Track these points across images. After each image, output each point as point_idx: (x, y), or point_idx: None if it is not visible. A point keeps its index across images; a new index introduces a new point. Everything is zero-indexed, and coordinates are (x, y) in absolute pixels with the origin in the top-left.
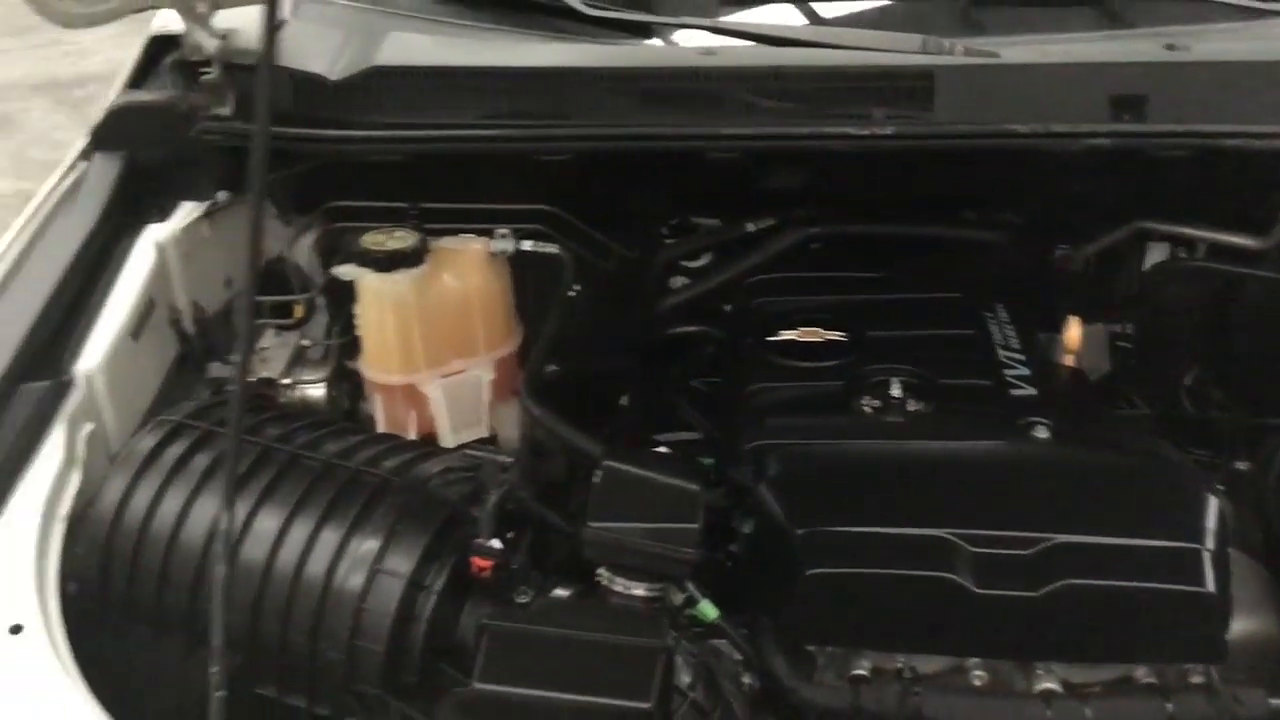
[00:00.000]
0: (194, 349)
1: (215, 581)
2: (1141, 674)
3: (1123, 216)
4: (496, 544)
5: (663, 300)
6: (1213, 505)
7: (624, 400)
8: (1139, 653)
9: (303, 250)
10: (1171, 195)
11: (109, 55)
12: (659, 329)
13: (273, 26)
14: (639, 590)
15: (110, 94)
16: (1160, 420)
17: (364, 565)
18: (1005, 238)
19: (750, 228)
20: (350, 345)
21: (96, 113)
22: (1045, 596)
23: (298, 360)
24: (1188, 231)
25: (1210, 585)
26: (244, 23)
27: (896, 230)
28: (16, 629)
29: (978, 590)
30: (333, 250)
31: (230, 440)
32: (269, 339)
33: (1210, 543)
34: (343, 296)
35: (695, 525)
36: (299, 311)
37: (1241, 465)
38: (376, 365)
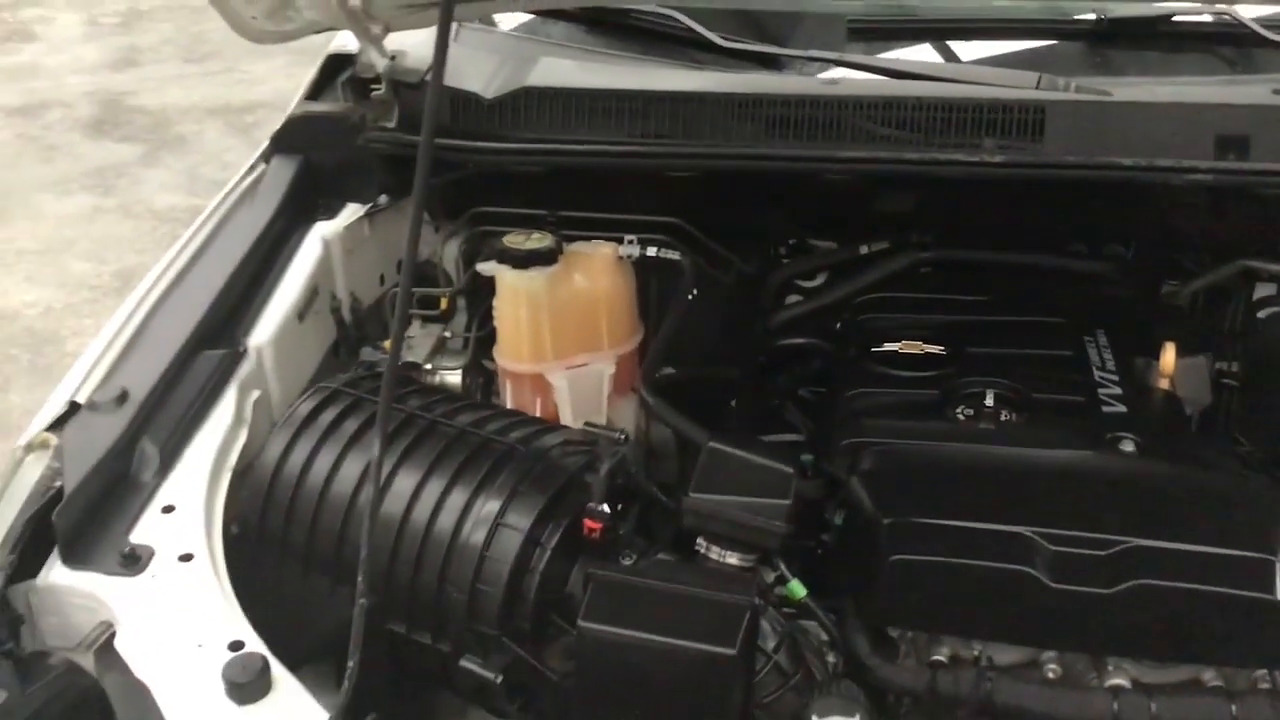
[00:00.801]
0: (349, 335)
1: (365, 524)
2: (1209, 676)
3: (1229, 255)
4: (606, 509)
5: (777, 314)
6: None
7: (734, 404)
8: (1207, 654)
9: (450, 252)
10: (1269, 234)
11: (278, 85)
12: (772, 341)
13: (444, 47)
14: (732, 559)
15: (290, 106)
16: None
17: (488, 521)
18: (1112, 270)
19: (864, 250)
20: (487, 340)
21: (264, 135)
22: (1119, 594)
23: (439, 349)
24: None
25: (1279, 594)
26: (411, 45)
27: (1005, 258)
28: (187, 557)
29: (1054, 585)
30: (475, 253)
31: (382, 404)
32: (415, 329)
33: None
34: (483, 294)
35: (787, 501)
36: (444, 304)
37: None
38: (509, 354)
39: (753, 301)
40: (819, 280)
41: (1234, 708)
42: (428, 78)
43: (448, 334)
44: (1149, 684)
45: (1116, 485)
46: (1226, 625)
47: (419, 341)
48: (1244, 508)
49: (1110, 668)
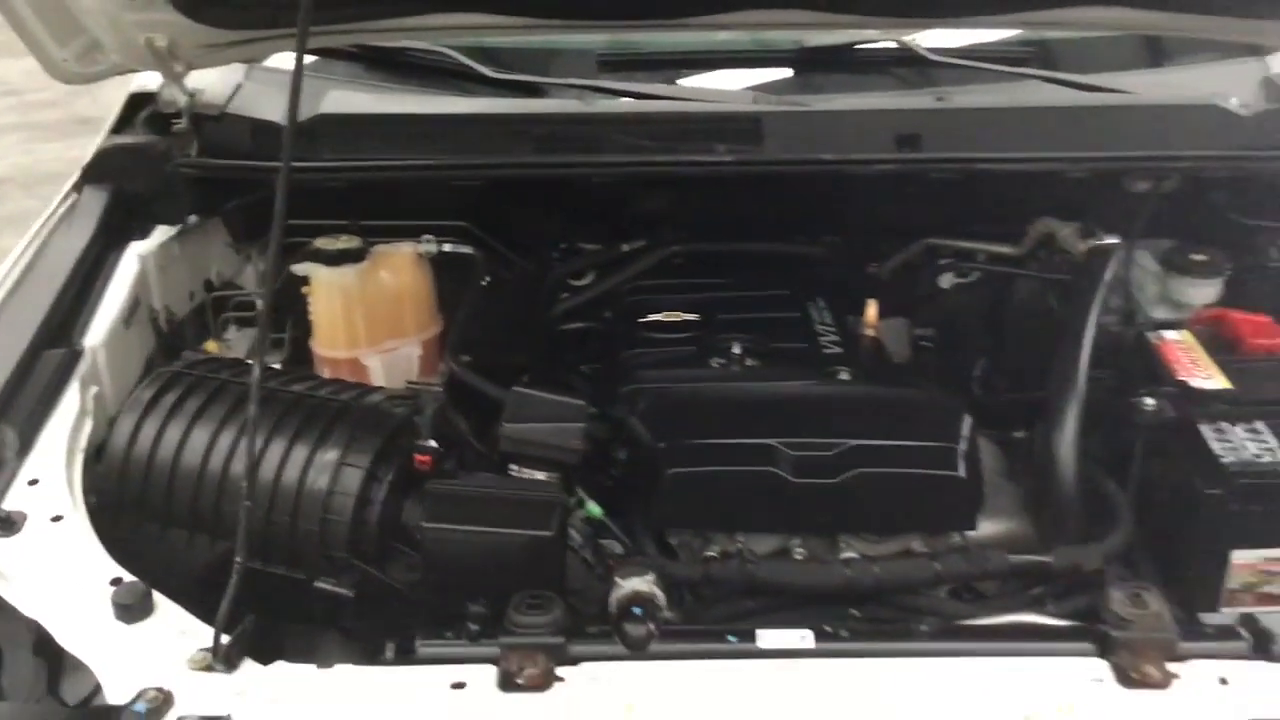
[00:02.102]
0: (166, 344)
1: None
2: (917, 545)
3: (916, 236)
4: (434, 444)
5: (558, 305)
6: (965, 421)
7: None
8: (912, 525)
9: (250, 273)
10: (951, 217)
11: (15, 160)
12: (555, 327)
13: (300, 74)
14: (540, 476)
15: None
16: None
17: (333, 463)
18: (827, 252)
19: (625, 248)
20: (303, 336)
21: (3, 211)
22: (843, 483)
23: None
24: (965, 244)
25: (962, 472)
26: (207, 83)
27: (742, 247)
28: (57, 518)
29: (794, 480)
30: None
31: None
32: (233, 333)
33: (962, 444)
34: (294, 297)
35: (581, 424)
36: (257, 306)
37: (1019, 434)
38: (325, 343)
39: (536, 294)
40: (591, 277)
41: (937, 565)
42: (226, 110)
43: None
44: (873, 555)
45: (836, 403)
46: (924, 500)
47: (237, 343)
48: (931, 411)
49: (843, 546)
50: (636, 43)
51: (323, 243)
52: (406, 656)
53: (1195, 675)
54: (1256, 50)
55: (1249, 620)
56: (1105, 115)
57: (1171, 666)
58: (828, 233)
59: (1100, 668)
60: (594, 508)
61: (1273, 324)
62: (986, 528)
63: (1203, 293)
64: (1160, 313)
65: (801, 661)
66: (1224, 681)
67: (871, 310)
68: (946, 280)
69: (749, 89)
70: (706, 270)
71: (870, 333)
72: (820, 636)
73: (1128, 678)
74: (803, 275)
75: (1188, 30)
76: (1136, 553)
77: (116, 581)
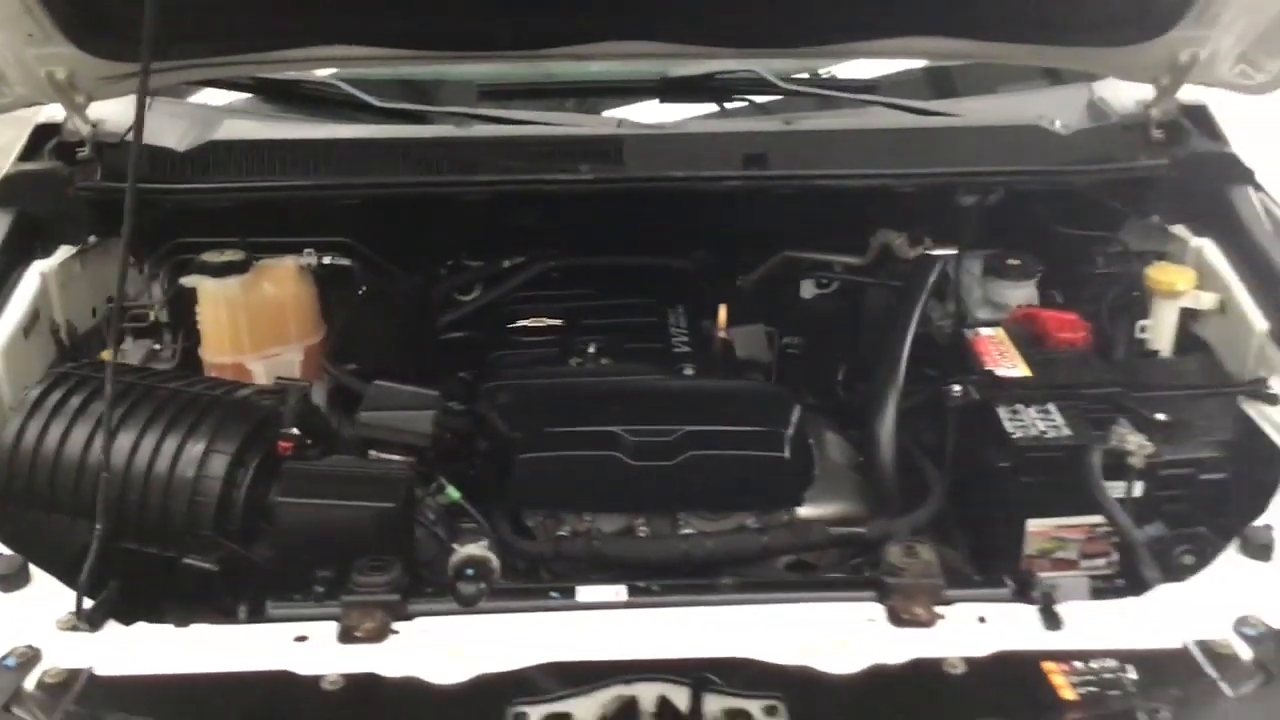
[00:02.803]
0: (68, 356)
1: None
2: (751, 521)
3: (774, 249)
4: (296, 431)
5: (442, 316)
6: (795, 409)
7: None
8: (744, 503)
9: (156, 290)
10: (805, 231)
11: None
12: (438, 337)
13: (143, 106)
14: (394, 459)
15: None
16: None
17: (200, 452)
18: (691, 265)
19: (505, 264)
20: (192, 347)
21: None
22: (677, 464)
23: (150, 359)
24: (819, 256)
25: (787, 454)
26: (108, 114)
27: (613, 261)
28: None
29: (634, 463)
30: (176, 278)
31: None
32: (128, 344)
33: (790, 430)
34: (185, 310)
35: (432, 412)
36: (151, 318)
37: None
38: (212, 350)
39: (421, 306)
40: (476, 291)
41: (764, 538)
42: (127, 138)
43: (156, 346)
44: (709, 531)
45: (676, 394)
46: (753, 480)
47: (132, 354)
48: (762, 401)
49: (682, 523)
50: (515, 74)
51: (208, 256)
52: (257, 616)
53: (958, 615)
54: (1089, 76)
55: (1019, 573)
56: (937, 137)
57: (939, 609)
58: (691, 246)
59: (875, 610)
60: (453, 492)
61: (1076, 320)
62: (827, 509)
63: (1018, 294)
64: (984, 313)
65: (614, 612)
66: (982, 620)
67: (722, 315)
68: (808, 290)
69: (614, 115)
70: (581, 283)
71: (721, 334)
72: (633, 591)
73: (898, 618)
74: (669, 285)
75: (1000, 57)
76: (950, 524)
77: None
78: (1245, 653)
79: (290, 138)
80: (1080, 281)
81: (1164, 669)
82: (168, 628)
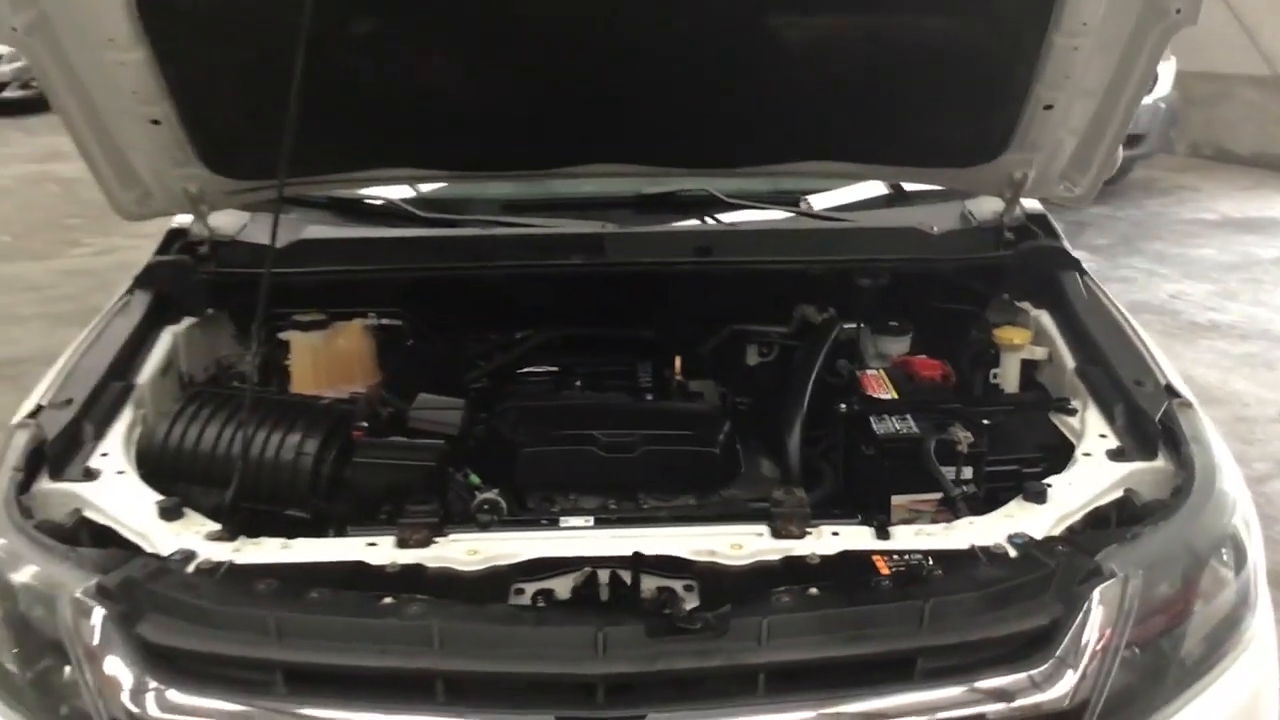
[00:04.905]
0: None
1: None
2: (691, 500)
3: (724, 322)
4: (365, 424)
5: (472, 373)
6: (726, 423)
7: None
8: (687, 487)
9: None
10: (745, 307)
11: (38, 343)
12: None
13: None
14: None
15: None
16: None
17: (299, 439)
18: (656, 335)
19: (519, 335)
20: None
21: (30, 384)
22: (638, 457)
23: None
24: (758, 328)
25: (718, 451)
26: (223, 220)
27: (599, 332)
28: (121, 473)
29: (606, 455)
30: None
31: (249, 380)
32: (235, 384)
33: (721, 436)
34: (279, 358)
35: (459, 404)
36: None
37: None
38: (299, 385)
39: (452, 358)
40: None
41: (701, 511)
42: (236, 238)
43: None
44: (662, 506)
45: (639, 410)
46: (692, 469)
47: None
48: (702, 416)
49: (643, 501)
50: (527, 192)
51: (299, 318)
52: (341, 533)
53: (819, 533)
54: (962, 194)
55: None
56: (843, 235)
57: (808, 529)
58: (658, 319)
59: (763, 529)
60: (474, 477)
61: (936, 363)
62: (750, 493)
63: (896, 346)
64: (874, 361)
65: (584, 531)
66: (836, 534)
67: (677, 363)
68: (752, 357)
69: (600, 220)
70: (575, 347)
71: (677, 377)
72: (597, 521)
73: (778, 533)
74: (637, 350)
75: (881, 177)
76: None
77: (160, 500)
78: (1012, 553)
79: (356, 237)
80: (950, 341)
81: (954, 559)
82: (280, 540)
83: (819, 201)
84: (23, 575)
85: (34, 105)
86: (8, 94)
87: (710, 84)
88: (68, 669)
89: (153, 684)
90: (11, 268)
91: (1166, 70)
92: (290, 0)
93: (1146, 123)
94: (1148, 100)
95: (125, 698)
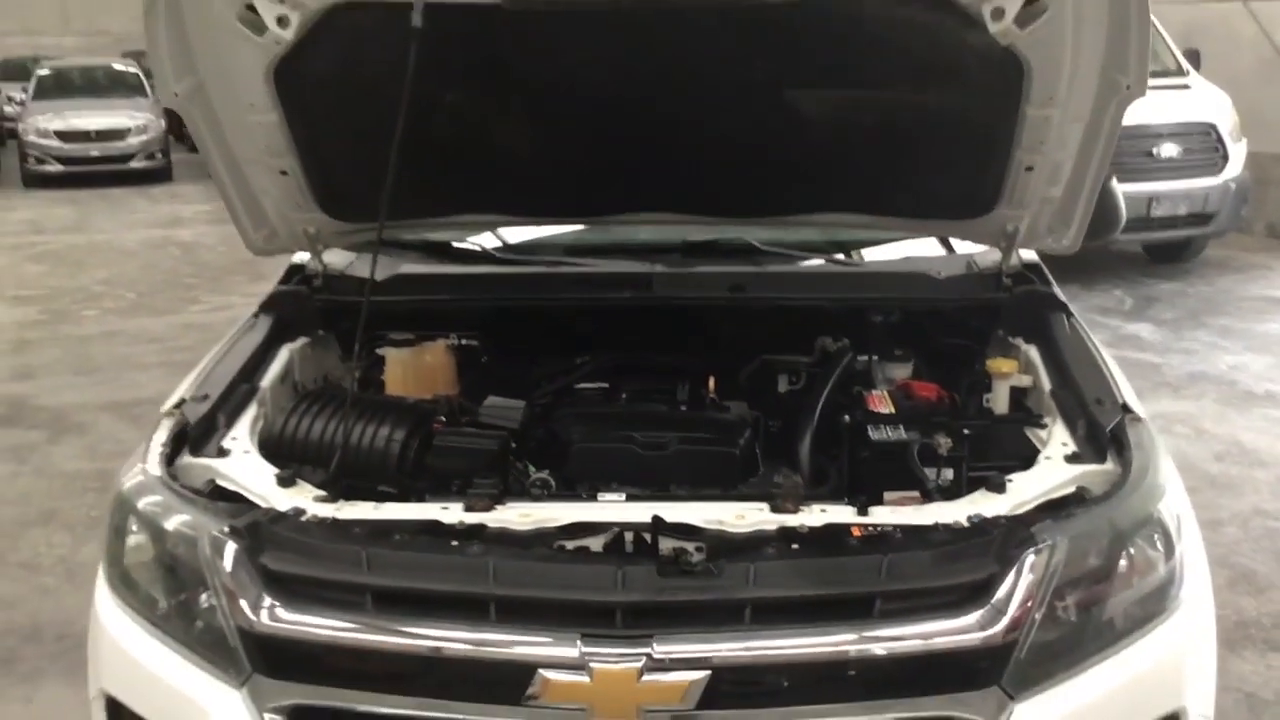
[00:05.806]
0: None
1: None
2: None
3: (756, 352)
4: (443, 419)
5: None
6: (746, 427)
7: None
8: (713, 480)
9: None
10: (776, 339)
11: (158, 387)
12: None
13: (375, 260)
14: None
15: (267, 288)
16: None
17: (389, 430)
18: (693, 362)
19: (578, 360)
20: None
21: (154, 414)
22: (671, 454)
23: None
24: (786, 358)
25: (737, 451)
26: (334, 258)
27: (645, 358)
28: (247, 451)
29: (643, 453)
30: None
31: (349, 379)
32: None
33: (742, 440)
34: (377, 370)
35: (520, 405)
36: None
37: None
38: (391, 393)
39: (519, 374)
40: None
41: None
42: (344, 272)
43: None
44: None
45: (673, 416)
46: (717, 464)
47: None
48: (727, 422)
49: (675, 492)
50: (588, 239)
51: (393, 337)
52: (420, 501)
53: (811, 508)
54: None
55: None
56: (859, 277)
57: (802, 507)
58: (698, 348)
59: (764, 505)
60: (532, 468)
61: (933, 386)
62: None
63: (899, 371)
64: (881, 384)
65: (617, 503)
66: (823, 510)
67: (711, 383)
68: (782, 385)
69: (649, 262)
70: (624, 371)
71: (710, 395)
72: (629, 496)
73: (776, 508)
74: (679, 375)
75: (891, 228)
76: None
77: (279, 473)
78: (966, 525)
79: (443, 273)
80: (951, 369)
81: (919, 532)
82: (372, 503)
83: (871, 255)
84: (172, 523)
85: (158, 175)
86: (135, 164)
87: (742, 148)
88: (204, 596)
89: (269, 601)
90: (136, 322)
91: (1237, 151)
92: (394, 74)
93: (1216, 201)
94: (1217, 180)
95: (249, 611)
